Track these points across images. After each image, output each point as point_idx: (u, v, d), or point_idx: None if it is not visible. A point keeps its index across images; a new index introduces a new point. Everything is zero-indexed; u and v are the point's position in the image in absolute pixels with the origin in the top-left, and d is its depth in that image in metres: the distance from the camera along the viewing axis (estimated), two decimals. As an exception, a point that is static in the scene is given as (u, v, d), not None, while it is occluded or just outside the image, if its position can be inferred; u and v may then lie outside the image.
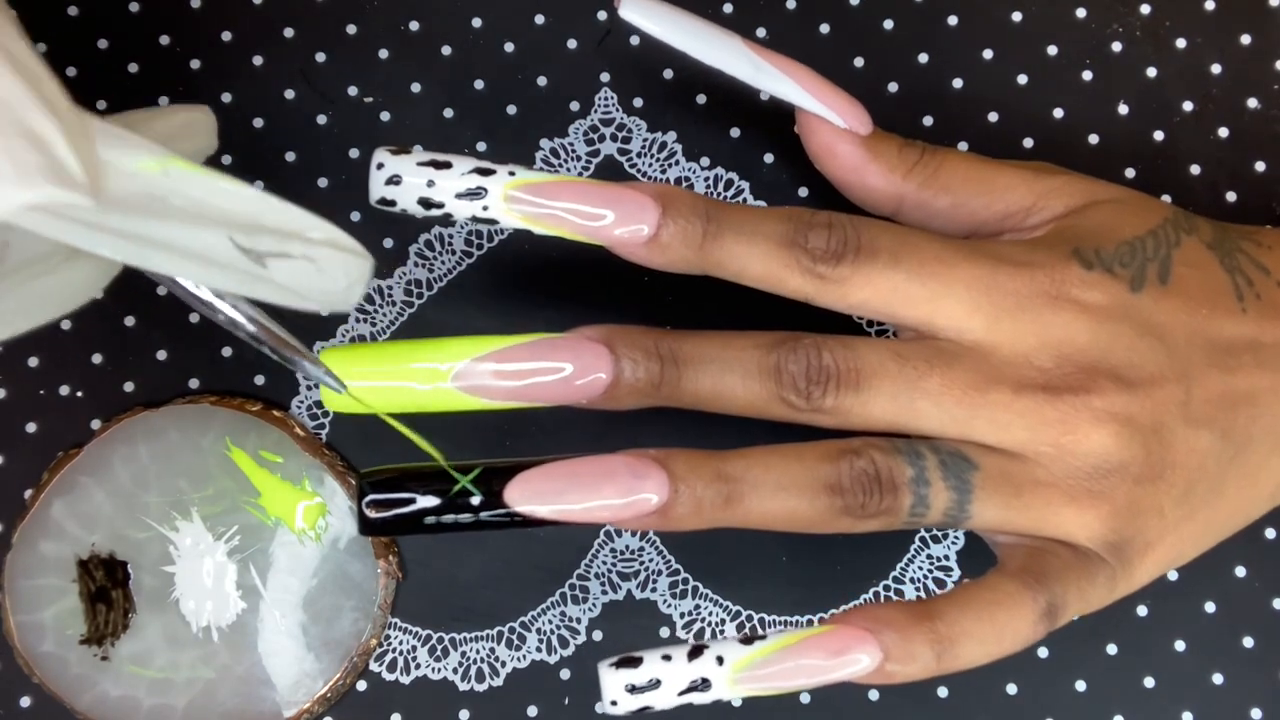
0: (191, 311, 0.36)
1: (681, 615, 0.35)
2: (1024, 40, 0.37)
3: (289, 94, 0.36)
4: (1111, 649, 0.35)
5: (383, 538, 0.35)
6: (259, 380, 0.36)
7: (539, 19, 0.37)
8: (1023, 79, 0.36)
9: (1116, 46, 0.36)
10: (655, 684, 0.26)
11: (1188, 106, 0.36)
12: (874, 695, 0.35)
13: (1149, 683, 0.35)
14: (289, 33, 0.37)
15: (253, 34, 0.37)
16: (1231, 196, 0.36)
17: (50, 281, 0.25)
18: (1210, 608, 0.35)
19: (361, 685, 0.35)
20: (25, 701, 0.35)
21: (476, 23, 0.37)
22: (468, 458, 0.27)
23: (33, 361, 0.36)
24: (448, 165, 0.28)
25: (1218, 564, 0.34)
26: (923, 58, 0.36)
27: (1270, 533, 0.35)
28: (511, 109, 0.36)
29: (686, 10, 0.30)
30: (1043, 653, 0.35)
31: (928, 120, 0.36)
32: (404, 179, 0.28)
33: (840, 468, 0.27)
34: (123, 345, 0.36)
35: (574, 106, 0.36)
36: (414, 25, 0.37)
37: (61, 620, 0.34)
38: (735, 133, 0.36)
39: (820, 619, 0.35)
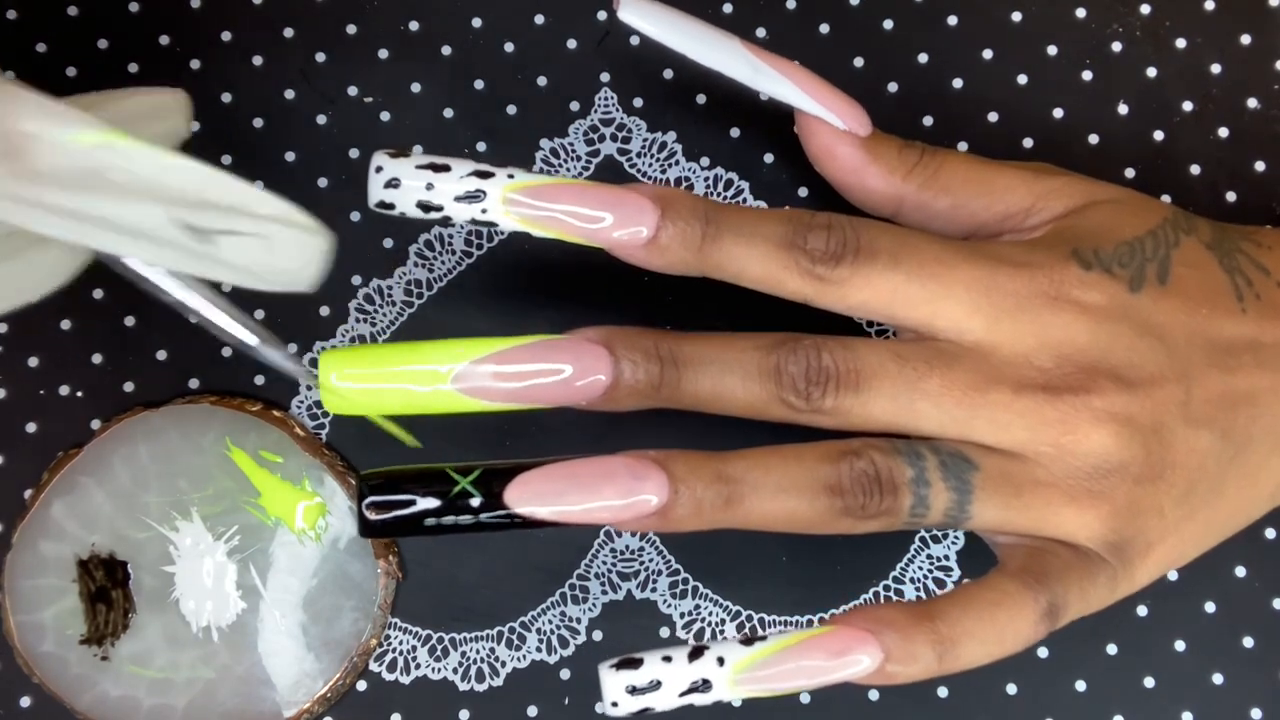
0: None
1: (681, 615, 0.35)
2: (1024, 40, 0.36)
3: (289, 94, 0.36)
4: (1111, 649, 0.35)
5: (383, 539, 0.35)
6: (259, 380, 0.36)
7: (539, 19, 0.37)
8: (1023, 79, 0.36)
9: (1116, 46, 0.36)
10: (656, 685, 0.26)
11: (1188, 106, 0.36)
12: (874, 695, 0.35)
13: (1149, 683, 0.35)
14: (289, 33, 0.37)
15: (253, 34, 0.36)
16: (1231, 196, 0.36)
17: (14, 266, 0.25)
18: (1210, 608, 0.35)
19: (361, 685, 0.35)
20: (25, 701, 0.35)
21: (476, 23, 0.37)
22: (468, 459, 0.27)
23: (33, 361, 0.36)
24: (446, 168, 0.28)
25: (1218, 564, 0.34)
26: (923, 58, 0.36)
27: (1270, 533, 0.35)
28: (511, 109, 0.36)
29: (685, 12, 0.30)
30: (1043, 653, 0.35)
31: (928, 120, 0.36)
32: (403, 182, 0.28)
33: (840, 469, 0.27)
34: (123, 345, 0.36)
35: (574, 106, 0.36)
36: (414, 25, 0.37)
37: (61, 620, 0.34)
38: (735, 133, 0.36)
39: (820, 619, 0.35)
